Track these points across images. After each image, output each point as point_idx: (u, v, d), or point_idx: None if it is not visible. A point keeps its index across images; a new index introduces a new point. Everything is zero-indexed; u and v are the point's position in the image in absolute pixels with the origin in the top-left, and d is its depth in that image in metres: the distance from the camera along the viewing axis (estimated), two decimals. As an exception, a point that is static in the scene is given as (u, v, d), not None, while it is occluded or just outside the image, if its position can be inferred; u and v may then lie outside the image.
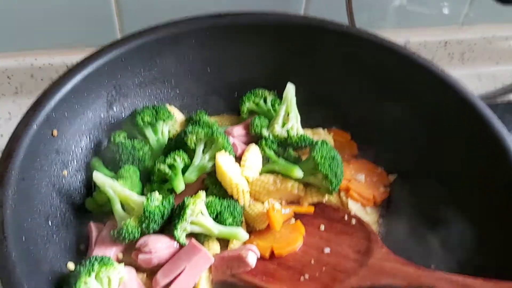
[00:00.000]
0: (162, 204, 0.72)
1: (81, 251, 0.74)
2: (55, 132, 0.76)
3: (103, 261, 0.64)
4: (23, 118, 0.72)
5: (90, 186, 0.82)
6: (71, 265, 0.68)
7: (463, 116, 0.80)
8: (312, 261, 0.75)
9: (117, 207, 0.73)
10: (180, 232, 0.73)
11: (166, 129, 0.89)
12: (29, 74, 1.19)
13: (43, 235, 0.67)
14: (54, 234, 0.70)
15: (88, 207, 0.78)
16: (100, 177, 0.74)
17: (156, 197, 0.73)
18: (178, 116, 0.93)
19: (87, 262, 0.64)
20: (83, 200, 0.79)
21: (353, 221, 0.80)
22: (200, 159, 0.81)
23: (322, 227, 0.81)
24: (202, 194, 0.75)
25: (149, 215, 0.71)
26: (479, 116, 0.78)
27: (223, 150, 0.80)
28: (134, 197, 0.74)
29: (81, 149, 0.82)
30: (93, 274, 0.63)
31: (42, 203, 0.70)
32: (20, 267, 0.58)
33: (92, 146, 0.84)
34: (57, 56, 1.13)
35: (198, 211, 0.73)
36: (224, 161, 0.79)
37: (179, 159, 0.80)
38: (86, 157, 0.82)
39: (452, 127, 0.83)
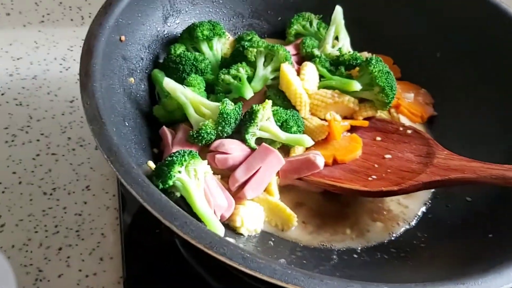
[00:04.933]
0: (235, 108, 0.74)
1: (155, 154, 0.74)
2: (123, 38, 0.75)
3: (192, 154, 0.65)
4: (95, 19, 0.72)
5: (153, 96, 0.82)
6: (151, 163, 0.68)
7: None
8: (376, 165, 0.79)
9: (191, 111, 0.74)
10: (250, 136, 0.75)
11: (219, 47, 0.89)
12: (57, 1, 1.16)
13: (124, 133, 0.67)
14: (131, 135, 0.70)
15: (156, 114, 0.78)
16: (171, 83, 0.74)
17: (230, 102, 0.74)
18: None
19: (177, 153, 0.65)
20: (149, 108, 0.79)
21: (409, 131, 0.83)
22: (263, 70, 0.82)
23: (378, 138, 0.84)
24: (269, 101, 0.76)
25: (226, 116, 0.72)
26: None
27: (286, 61, 0.82)
28: (207, 102, 0.75)
29: (143, 60, 0.81)
30: (184, 164, 0.64)
31: (118, 104, 0.70)
32: (122, 150, 0.58)
33: (151, 58, 0.84)
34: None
35: (267, 116, 0.75)
36: (290, 71, 0.80)
37: (243, 70, 0.81)
38: (147, 68, 0.82)
39: (499, 54, 0.87)
